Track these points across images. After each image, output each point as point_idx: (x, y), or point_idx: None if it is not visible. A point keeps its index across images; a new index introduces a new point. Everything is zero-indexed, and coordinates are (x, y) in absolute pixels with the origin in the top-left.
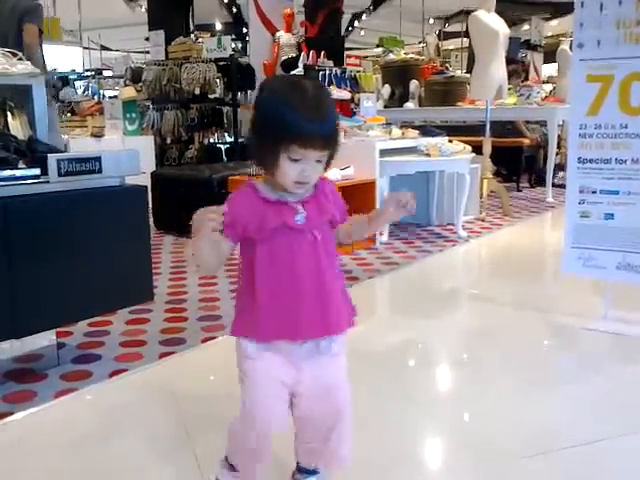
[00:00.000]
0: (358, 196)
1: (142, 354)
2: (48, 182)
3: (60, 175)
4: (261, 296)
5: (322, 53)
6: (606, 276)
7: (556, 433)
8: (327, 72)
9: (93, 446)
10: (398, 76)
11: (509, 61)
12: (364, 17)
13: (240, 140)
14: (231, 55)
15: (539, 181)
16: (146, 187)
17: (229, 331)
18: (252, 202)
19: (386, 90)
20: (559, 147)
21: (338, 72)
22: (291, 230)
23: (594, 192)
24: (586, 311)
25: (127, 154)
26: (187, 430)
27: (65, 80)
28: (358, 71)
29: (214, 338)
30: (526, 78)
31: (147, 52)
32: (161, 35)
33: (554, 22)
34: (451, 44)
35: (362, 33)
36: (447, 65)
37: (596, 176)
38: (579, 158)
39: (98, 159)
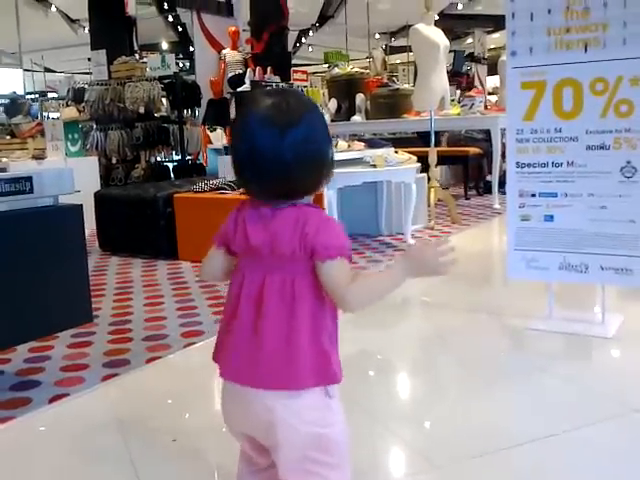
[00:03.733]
0: None
1: (84, 378)
2: None
3: None
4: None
5: (268, 69)
6: (549, 277)
7: (504, 432)
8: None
9: (30, 478)
10: (344, 90)
11: (454, 74)
12: (311, 34)
13: (188, 158)
14: (175, 73)
15: (486, 189)
16: (81, 206)
17: (324, 383)
18: None
19: (333, 104)
20: (504, 155)
21: (285, 87)
22: None
23: (533, 195)
24: (532, 312)
25: (60, 173)
26: (130, 453)
27: None
28: (305, 86)
29: (159, 358)
30: (469, 89)
31: (91, 73)
32: (103, 55)
33: (496, 35)
34: (398, 58)
35: (310, 49)
36: (394, 79)
37: (534, 180)
38: (517, 163)
39: (29, 179)
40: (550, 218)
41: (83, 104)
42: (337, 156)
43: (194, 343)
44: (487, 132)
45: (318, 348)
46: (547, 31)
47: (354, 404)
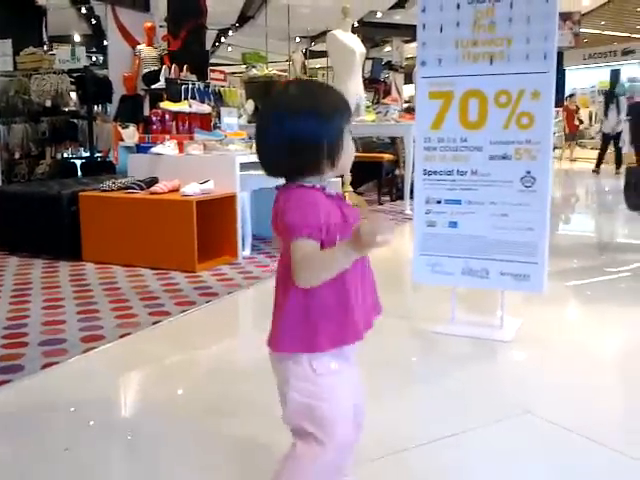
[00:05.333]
0: (218, 210)
1: None
2: None
3: None
4: (350, 297)
5: (185, 67)
6: (453, 282)
7: (406, 433)
8: (190, 86)
9: None
10: (262, 91)
11: (372, 81)
12: (230, 33)
13: (97, 155)
14: (86, 67)
15: (400, 195)
16: None
17: (298, 350)
18: (327, 201)
19: (250, 105)
20: None
21: (201, 86)
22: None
23: (439, 202)
24: (439, 316)
25: None
26: (20, 464)
27: None
28: (222, 86)
29: (56, 363)
30: (386, 96)
31: None
32: (8, 45)
33: (414, 44)
34: (318, 62)
35: (229, 49)
36: None
37: (440, 187)
38: (424, 170)
39: None
40: (454, 224)
41: None
42: (251, 158)
43: (94, 348)
44: (393, 138)
45: (302, 316)
46: (455, 43)
47: (254, 406)
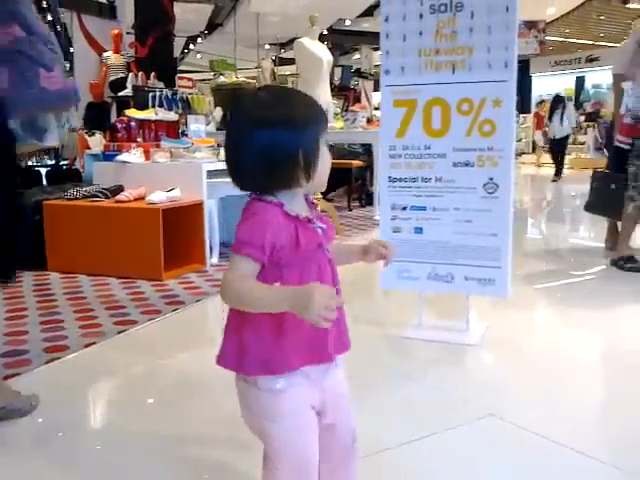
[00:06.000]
0: (185, 218)
1: None
2: None
3: None
4: (287, 324)
5: (152, 74)
6: (419, 287)
7: (372, 437)
8: (157, 94)
9: None
10: (230, 99)
11: (341, 88)
12: (199, 41)
13: (62, 163)
14: None
15: (369, 201)
16: None
17: (238, 371)
18: (282, 220)
19: (218, 113)
20: None
21: (169, 94)
22: (319, 249)
23: (404, 208)
24: (405, 321)
25: None
26: None
27: None
28: (190, 93)
29: (18, 375)
30: (354, 103)
31: None
32: None
33: None
34: (287, 69)
35: (198, 56)
36: None
37: (405, 194)
38: (390, 177)
39: None
40: (420, 230)
41: None
42: (218, 165)
43: (58, 358)
44: (367, 146)
45: (238, 337)
46: (418, 52)
47: (222, 416)
